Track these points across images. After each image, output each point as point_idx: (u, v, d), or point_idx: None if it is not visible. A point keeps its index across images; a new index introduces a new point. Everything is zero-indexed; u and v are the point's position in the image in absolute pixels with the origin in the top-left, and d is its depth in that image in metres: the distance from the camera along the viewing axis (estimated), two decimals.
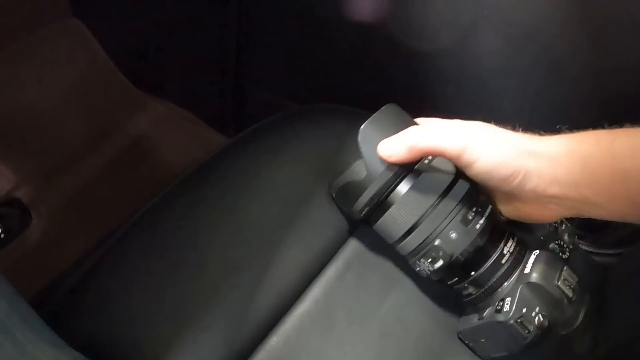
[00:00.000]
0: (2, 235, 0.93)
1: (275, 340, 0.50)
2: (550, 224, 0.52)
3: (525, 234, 0.51)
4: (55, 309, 0.52)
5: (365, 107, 0.65)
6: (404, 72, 0.79)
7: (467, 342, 0.52)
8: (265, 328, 0.51)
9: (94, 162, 1.05)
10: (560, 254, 0.51)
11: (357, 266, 0.55)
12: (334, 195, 0.53)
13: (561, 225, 0.53)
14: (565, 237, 0.52)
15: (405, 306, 0.53)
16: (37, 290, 0.57)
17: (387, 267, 0.55)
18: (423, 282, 0.54)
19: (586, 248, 0.73)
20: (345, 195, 0.50)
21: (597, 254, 0.72)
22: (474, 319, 0.49)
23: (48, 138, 1.04)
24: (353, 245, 0.56)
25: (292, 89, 0.97)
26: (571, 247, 0.52)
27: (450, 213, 0.46)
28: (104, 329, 0.50)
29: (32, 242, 0.94)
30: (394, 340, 0.51)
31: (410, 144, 0.45)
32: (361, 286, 0.54)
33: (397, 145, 0.46)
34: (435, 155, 0.46)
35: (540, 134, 0.45)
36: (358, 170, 0.48)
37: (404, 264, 0.52)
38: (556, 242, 0.51)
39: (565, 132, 0.44)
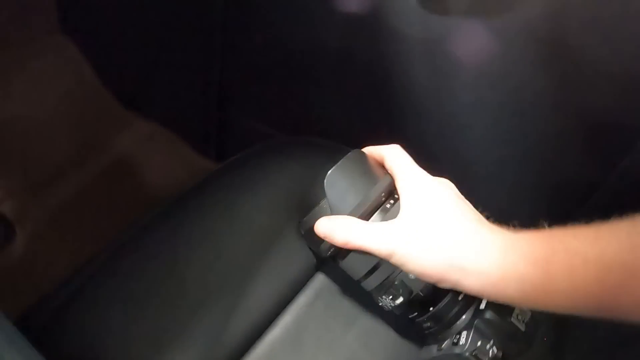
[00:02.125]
0: None
1: None
2: None
3: None
4: (40, 329, 0.54)
5: (344, 139, 0.67)
6: (382, 107, 0.81)
7: None
8: (238, 352, 0.53)
9: (78, 179, 1.06)
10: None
11: (327, 295, 0.58)
12: (302, 233, 0.55)
13: None
14: None
15: (371, 334, 0.56)
16: (22, 307, 0.59)
17: (355, 297, 0.58)
18: (388, 312, 0.57)
19: None
20: (313, 233, 0.52)
21: None
22: (433, 350, 0.52)
23: (34, 153, 1.05)
24: (323, 276, 0.59)
25: (274, 117, 0.99)
26: None
27: None
28: (86, 350, 0.52)
29: (15, 257, 0.95)
30: None
31: (345, 240, 0.48)
32: (330, 314, 0.56)
33: (335, 233, 0.49)
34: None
35: (488, 219, 0.48)
36: (325, 210, 0.51)
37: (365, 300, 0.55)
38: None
39: (514, 230, 0.46)
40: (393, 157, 0.52)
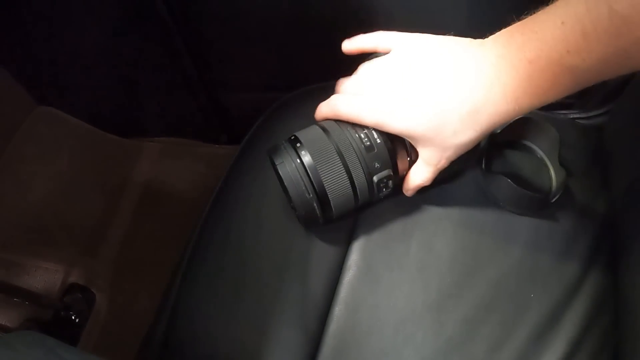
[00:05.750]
0: (77, 320, 0.99)
1: (338, 309, 0.57)
2: None
3: None
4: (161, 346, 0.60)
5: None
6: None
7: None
8: (325, 304, 0.57)
9: (121, 220, 1.11)
10: None
11: (379, 227, 0.60)
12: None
13: None
14: None
15: (430, 239, 0.59)
16: (131, 356, 0.64)
17: (401, 217, 0.60)
18: (436, 215, 0.60)
19: (576, 115, 0.76)
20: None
21: (588, 118, 0.76)
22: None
23: (71, 219, 1.09)
24: (369, 210, 0.61)
25: (261, 81, 1.00)
26: None
27: (355, 153, 0.51)
28: (204, 343, 0.57)
29: (104, 314, 1.01)
30: (431, 270, 0.57)
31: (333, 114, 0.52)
32: (388, 239, 0.59)
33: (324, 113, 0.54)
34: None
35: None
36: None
37: (412, 209, 0.59)
38: None
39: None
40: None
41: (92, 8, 0.91)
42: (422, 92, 0.48)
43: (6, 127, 1.10)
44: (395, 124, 0.49)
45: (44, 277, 1.03)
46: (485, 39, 0.47)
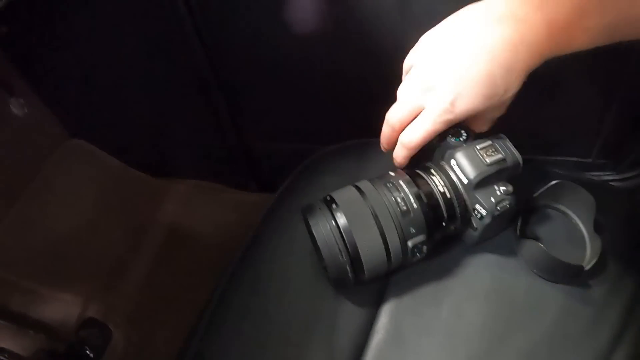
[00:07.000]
0: (92, 356, 0.97)
1: None
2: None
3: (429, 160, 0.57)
4: None
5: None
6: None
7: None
8: None
9: (143, 260, 1.11)
10: (461, 139, 0.55)
11: (410, 290, 0.59)
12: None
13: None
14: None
15: (461, 304, 0.58)
16: None
17: (433, 281, 0.59)
18: (468, 280, 0.59)
19: (609, 177, 0.76)
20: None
21: (622, 180, 0.76)
22: (470, 238, 0.58)
23: (94, 253, 1.09)
24: (400, 276, 0.60)
25: (293, 133, 1.02)
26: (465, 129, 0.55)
27: (390, 217, 0.51)
28: None
29: (120, 351, 0.99)
30: (460, 336, 0.56)
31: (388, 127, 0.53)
32: (418, 303, 0.58)
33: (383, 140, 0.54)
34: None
35: None
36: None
37: (444, 272, 0.58)
38: (452, 135, 0.55)
39: None
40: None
41: (132, 49, 0.92)
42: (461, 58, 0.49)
43: (37, 156, 1.10)
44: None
45: (61, 308, 1.02)
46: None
